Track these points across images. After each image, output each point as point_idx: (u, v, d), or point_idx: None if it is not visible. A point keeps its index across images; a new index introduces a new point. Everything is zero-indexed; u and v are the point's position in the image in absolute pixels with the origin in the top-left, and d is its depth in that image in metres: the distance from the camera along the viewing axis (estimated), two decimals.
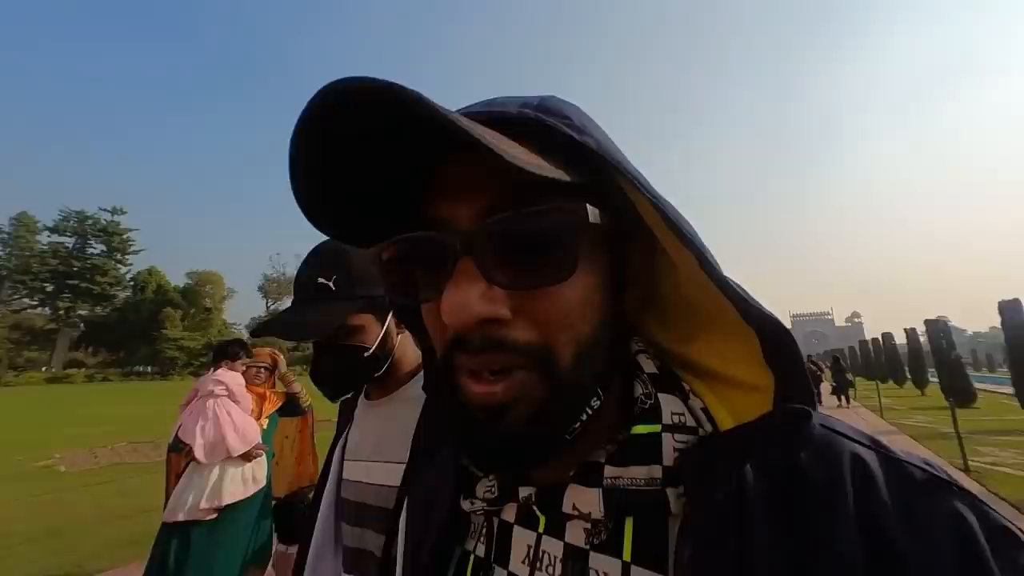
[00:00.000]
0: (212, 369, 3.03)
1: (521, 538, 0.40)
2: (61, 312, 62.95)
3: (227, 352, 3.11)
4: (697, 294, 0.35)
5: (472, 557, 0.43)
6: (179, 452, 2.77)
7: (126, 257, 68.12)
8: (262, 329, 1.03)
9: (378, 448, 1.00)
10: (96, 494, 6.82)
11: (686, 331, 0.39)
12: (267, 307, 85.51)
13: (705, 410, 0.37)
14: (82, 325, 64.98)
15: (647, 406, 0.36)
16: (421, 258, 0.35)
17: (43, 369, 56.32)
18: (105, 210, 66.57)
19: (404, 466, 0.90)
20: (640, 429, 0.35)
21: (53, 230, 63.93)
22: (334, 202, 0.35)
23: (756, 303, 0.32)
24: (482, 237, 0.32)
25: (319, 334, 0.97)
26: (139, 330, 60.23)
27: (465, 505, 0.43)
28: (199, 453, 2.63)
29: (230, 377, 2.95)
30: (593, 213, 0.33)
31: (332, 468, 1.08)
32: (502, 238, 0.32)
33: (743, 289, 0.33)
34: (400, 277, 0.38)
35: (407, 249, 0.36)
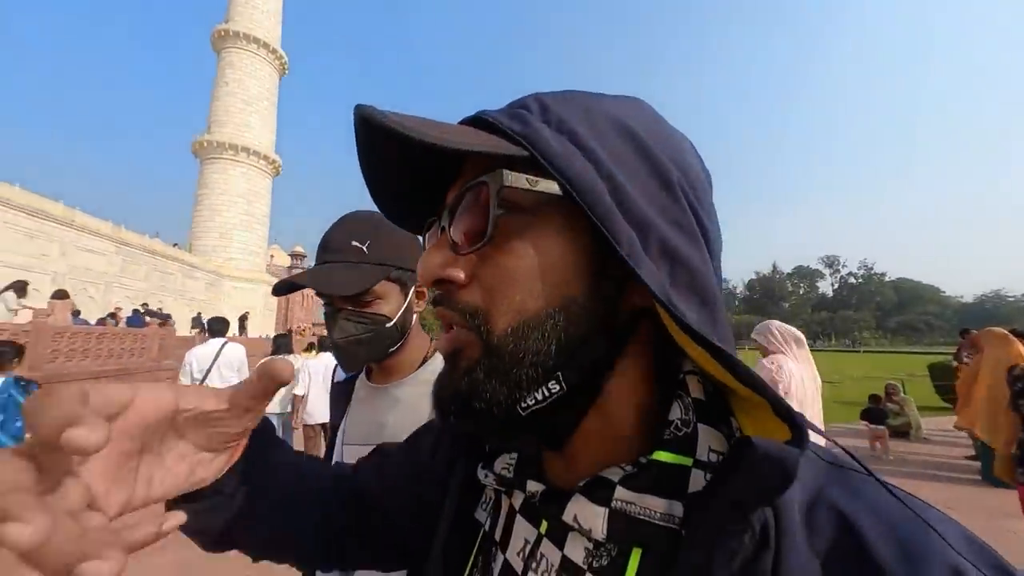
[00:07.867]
0: None
1: (522, 530, 0.39)
2: None
3: None
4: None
5: (482, 530, 0.44)
6: None
7: None
8: (284, 287, 0.96)
9: (390, 433, 0.97)
10: None
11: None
12: None
13: None
14: None
15: (681, 433, 0.33)
16: (434, 235, 0.42)
17: None
18: None
19: None
20: (664, 456, 0.32)
21: None
22: (389, 199, 0.42)
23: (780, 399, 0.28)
24: (445, 211, 0.37)
25: (349, 290, 0.93)
26: None
27: (480, 475, 0.43)
28: None
29: None
30: (518, 179, 0.32)
31: (334, 454, 1.06)
32: (453, 210, 0.36)
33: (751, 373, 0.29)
34: None
35: (429, 229, 0.43)
